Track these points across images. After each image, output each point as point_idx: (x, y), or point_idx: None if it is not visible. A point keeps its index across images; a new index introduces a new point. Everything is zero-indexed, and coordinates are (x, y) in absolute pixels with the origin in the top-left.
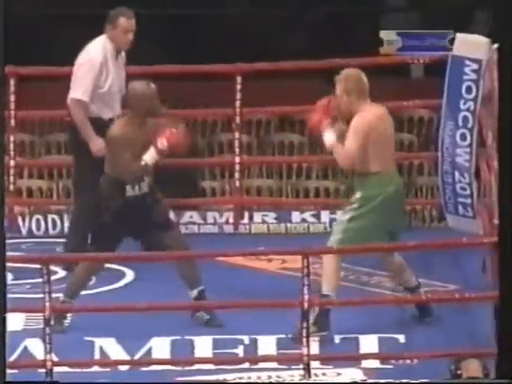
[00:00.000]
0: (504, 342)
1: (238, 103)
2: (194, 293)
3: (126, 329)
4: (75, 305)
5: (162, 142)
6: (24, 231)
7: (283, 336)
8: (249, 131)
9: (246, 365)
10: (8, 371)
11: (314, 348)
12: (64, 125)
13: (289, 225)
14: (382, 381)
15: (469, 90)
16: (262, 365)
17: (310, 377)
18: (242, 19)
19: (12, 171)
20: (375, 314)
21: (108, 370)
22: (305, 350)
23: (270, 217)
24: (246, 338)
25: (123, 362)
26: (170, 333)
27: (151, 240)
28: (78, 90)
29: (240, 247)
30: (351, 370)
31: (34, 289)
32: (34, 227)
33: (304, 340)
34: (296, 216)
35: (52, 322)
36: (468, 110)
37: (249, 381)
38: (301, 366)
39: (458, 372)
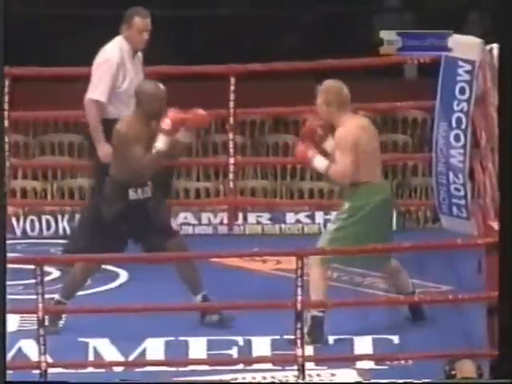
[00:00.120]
0: (504, 342)
1: (231, 104)
2: (198, 298)
3: (120, 330)
4: (69, 306)
5: (166, 122)
6: (18, 232)
7: (278, 337)
8: (243, 132)
9: (241, 366)
10: None
11: (309, 349)
12: (82, 127)
13: (283, 226)
14: (377, 381)
15: (462, 90)
16: (256, 366)
17: (304, 378)
18: (236, 20)
19: (6, 172)
20: (369, 315)
21: (102, 371)
22: (299, 351)
23: (265, 218)
24: (240, 339)
25: (117, 363)
26: (165, 334)
27: (151, 243)
28: (96, 90)
29: (234, 248)
30: (346, 370)
31: (27, 290)
32: (28, 228)
33: (298, 341)
34: (290, 217)
35: (46, 323)
36: (461, 110)
37: (243, 381)
38: (295, 367)
39: (453, 372)
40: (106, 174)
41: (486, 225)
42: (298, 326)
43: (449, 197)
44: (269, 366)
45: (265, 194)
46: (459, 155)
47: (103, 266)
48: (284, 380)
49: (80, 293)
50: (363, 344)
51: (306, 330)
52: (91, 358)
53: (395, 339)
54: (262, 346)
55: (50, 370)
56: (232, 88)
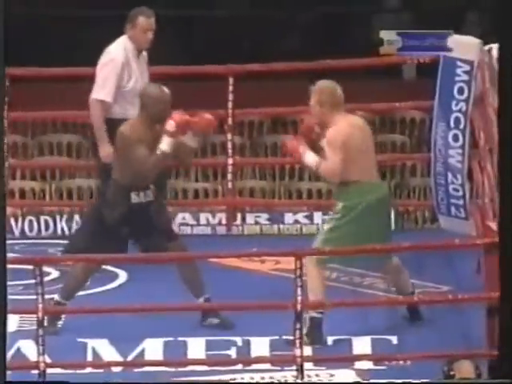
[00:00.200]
0: (504, 342)
1: (230, 104)
2: (201, 301)
3: (119, 330)
4: (69, 306)
5: (170, 124)
6: (17, 232)
7: (277, 337)
8: (241, 132)
9: (239, 366)
10: None
11: (307, 349)
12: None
13: (281, 226)
14: (376, 381)
15: (461, 91)
16: (255, 366)
17: (303, 378)
18: (235, 20)
19: (5, 172)
20: (368, 315)
21: (101, 371)
22: (298, 352)
23: (263, 218)
24: (239, 340)
25: (116, 364)
26: (163, 334)
27: (152, 246)
28: (101, 90)
29: (233, 248)
30: (344, 371)
31: (26, 290)
32: (26, 228)
33: (297, 341)
34: (289, 217)
35: (45, 324)
36: (460, 111)
37: (242, 381)
38: (294, 368)
39: (451, 373)
40: (109, 174)
41: (485, 225)
42: (297, 326)
43: (447, 197)
44: (267, 366)
45: (263, 195)
46: (458, 155)
47: (102, 267)
48: (283, 380)
49: (79, 293)
50: (362, 344)
51: (304, 331)
52: (90, 358)
53: (394, 339)
54: (260, 346)
55: (49, 371)
56: (230, 88)
